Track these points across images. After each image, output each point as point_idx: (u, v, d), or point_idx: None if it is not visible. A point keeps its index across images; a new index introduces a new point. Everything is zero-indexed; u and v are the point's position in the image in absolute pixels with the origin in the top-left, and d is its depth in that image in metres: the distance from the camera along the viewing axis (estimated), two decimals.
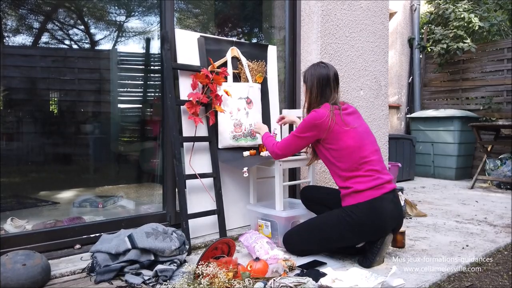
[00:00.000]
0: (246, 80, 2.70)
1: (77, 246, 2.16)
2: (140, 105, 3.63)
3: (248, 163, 2.49)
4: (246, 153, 2.60)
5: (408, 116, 6.02)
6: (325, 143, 2.14)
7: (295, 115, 2.88)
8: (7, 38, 2.81)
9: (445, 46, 5.56)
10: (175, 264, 1.94)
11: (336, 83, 2.24)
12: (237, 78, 2.69)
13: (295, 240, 2.23)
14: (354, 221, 2.03)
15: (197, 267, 1.76)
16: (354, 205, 2.04)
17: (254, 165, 2.54)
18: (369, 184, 2.04)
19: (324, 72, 2.20)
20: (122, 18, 3.31)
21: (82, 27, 3.17)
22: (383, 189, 2.05)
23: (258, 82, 2.74)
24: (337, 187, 2.25)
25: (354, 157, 2.08)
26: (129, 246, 1.90)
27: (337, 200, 2.20)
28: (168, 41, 2.40)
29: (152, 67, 3.48)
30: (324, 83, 2.19)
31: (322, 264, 2.06)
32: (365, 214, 2.02)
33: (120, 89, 3.49)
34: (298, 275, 1.88)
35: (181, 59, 2.49)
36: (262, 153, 2.62)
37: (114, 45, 3.34)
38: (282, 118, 2.65)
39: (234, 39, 3.08)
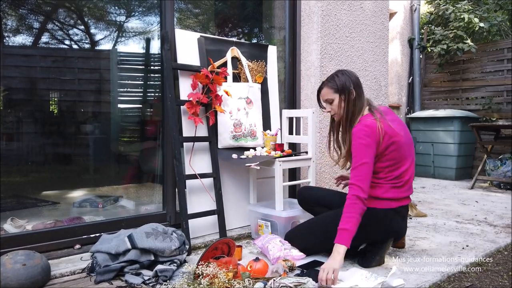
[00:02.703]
0: (246, 80, 2.70)
1: (77, 246, 2.16)
2: (140, 105, 3.63)
3: (249, 162, 2.49)
4: (234, 156, 2.54)
5: (408, 116, 6.02)
6: (379, 156, 1.96)
7: (295, 115, 2.88)
8: (7, 38, 2.81)
9: (445, 46, 5.56)
10: (175, 264, 1.94)
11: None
12: (237, 78, 2.69)
13: (297, 239, 2.22)
14: (362, 225, 2.01)
15: (197, 267, 1.76)
16: (367, 209, 1.98)
17: (255, 163, 2.53)
18: (391, 195, 1.98)
19: (354, 75, 2.06)
20: (122, 18, 3.31)
21: (82, 27, 3.17)
22: (401, 203, 2.03)
23: (258, 82, 2.74)
24: (336, 188, 2.24)
25: (395, 170, 1.98)
26: (129, 246, 1.90)
27: (338, 201, 2.20)
28: (168, 41, 2.40)
29: (152, 67, 3.48)
30: (359, 86, 2.04)
31: (322, 264, 2.05)
32: (375, 221, 2.01)
33: (120, 89, 3.49)
34: (298, 275, 1.88)
35: (181, 59, 2.49)
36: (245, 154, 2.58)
37: (114, 45, 3.35)
38: (342, 178, 2.38)
39: (234, 39, 3.08)
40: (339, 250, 1.80)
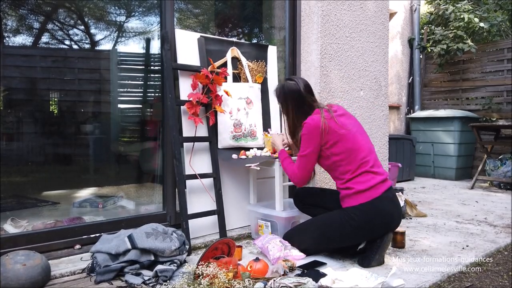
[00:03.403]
0: (246, 80, 2.70)
1: (77, 246, 2.16)
2: (140, 105, 3.63)
3: (249, 162, 2.49)
4: (234, 156, 2.55)
5: (408, 116, 6.02)
6: (324, 149, 2.12)
7: None
8: (7, 38, 2.81)
9: (445, 46, 5.56)
10: (175, 264, 1.94)
11: (311, 93, 2.23)
12: (237, 78, 2.69)
13: (296, 239, 2.23)
14: (357, 223, 2.03)
15: (197, 267, 1.76)
16: (355, 206, 2.04)
17: (256, 163, 2.53)
18: (369, 184, 2.04)
19: (295, 88, 2.18)
20: (122, 18, 3.31)
21: (82, 27, 3.17)
22: (382, 188, 2.06)
23: (258, 82, 2.74)
24: (333, 187, 2.24)
25: (353, 159, 2.07)
26: (129, 246, 1.90)
27: (335, 200, 2.20)
28: (168, 41, 2.40)
29: (152, 67, 3.48)
30: (299, 100, 2.18)
31: (322, 264, 2.06)
32: (368, 215, 2.02)
33: (120, 89, 3.49)
34: (298, 275, 1.88)
35: (181, 59, 2.49)
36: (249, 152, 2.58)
37: (114, 45, 3.35)
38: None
39: (234, 39, 3.08)
40: (278, 149, 2.40)
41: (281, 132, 2.87)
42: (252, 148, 2.64)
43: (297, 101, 2.18)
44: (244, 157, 2.53)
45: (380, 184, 2.07)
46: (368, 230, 2.06)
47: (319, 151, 2.14)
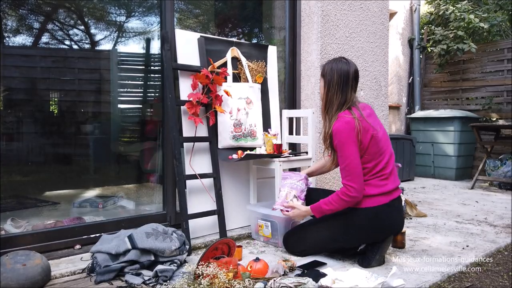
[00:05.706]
0: (246, 80, 2.70)
1: (77, 246, 2.16)
2: (140, 105, 3.63)
3: (251, 158, 2.49)
4: (235, 156, 2.56)
5: (408, 116, 6.02)
6: (360, 151, 2.03)
7: (295, 115, 2.89)
8: (7, 38, 2.81)
9: (445, 46, 5.56)
10: (175, 264, 1.94)
11: (356, 81, 2.12)
12: (237, 78, 2.69)
13: (296, 240, 2.23)
14: (360, 227, 2.03)
15: (197, 267, 1.76)
16: (362, 209, 2.03)
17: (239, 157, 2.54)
18: (381, 190, 2.02)
19: (345, 68, 2.07)
20: (122, 18, 3.30)
21: (82, 27, 3.17)
22: (392, 196, 2.05)
23: (258, 82, 2.74)
24: (334, 188, 2.24)
25: (377, 162, 2.03)
26: (129, 246, 1.90)
27: None
28: (168, 41, 2.40)
29: (152, 67, 3.48)
30: (344, 80, 2.06)
31: (322, 264, 2.06)
32: (371, 220, 2.02)
33: (120, 89, 3.49)
34: (298, 275, 1.88)
35: (181, 59, 2.49)
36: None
37: (114, 45, 3.34)
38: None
39: (234, 39, 3.08)
40: (309, 212, 2.14)
41: (281, 131, 2.87)
42: (254, 148, 2.64)
43: (342, 80, 2.05)
44: (238, 156, 2.53)
45: (391, 192, 2.05)
46: (369, 234, 2.05)
47: (359, 152, 2.01)
